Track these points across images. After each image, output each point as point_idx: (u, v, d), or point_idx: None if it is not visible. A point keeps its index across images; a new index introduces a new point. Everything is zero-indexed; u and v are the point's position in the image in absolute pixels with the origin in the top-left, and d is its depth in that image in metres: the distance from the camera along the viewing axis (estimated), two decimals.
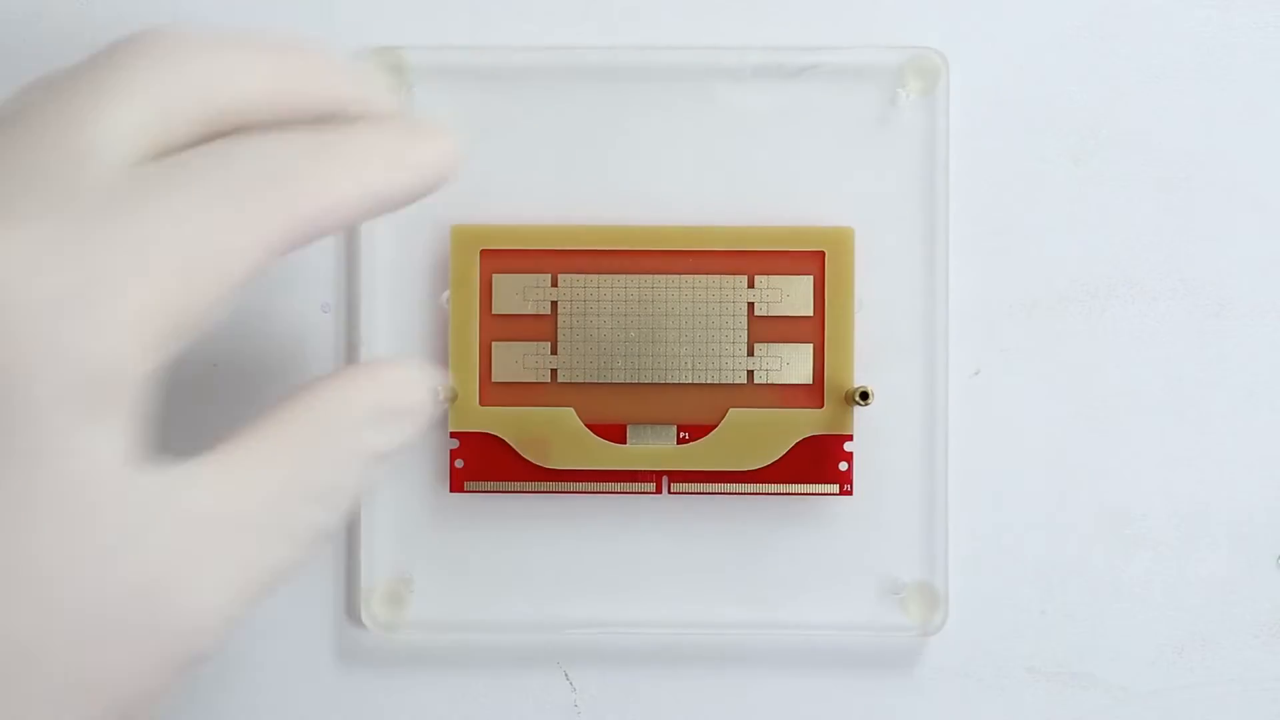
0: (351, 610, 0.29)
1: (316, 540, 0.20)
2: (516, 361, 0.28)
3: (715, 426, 0.27)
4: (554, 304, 0.28)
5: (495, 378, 0.28)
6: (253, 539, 0.20)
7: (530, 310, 0.28)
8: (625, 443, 0.28)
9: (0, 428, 0.17)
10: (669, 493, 0.28)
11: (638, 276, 0.27)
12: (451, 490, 0.28)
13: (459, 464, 0.28)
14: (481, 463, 0.28)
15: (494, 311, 0.28)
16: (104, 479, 0.18)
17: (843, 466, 0.28)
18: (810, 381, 0.28)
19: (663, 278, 0.27)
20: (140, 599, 0.18)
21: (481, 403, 0.28)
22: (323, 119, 0.21)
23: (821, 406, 0.27)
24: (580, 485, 0.28)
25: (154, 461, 0.19)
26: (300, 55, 0.21)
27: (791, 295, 0.28)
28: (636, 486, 0.28)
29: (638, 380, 0.27)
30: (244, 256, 0.19)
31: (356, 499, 0.21)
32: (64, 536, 0.18)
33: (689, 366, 0.27)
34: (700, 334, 0.27)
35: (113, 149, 0.19)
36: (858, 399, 0.27)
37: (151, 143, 0.19)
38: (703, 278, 0.27)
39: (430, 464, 0.28)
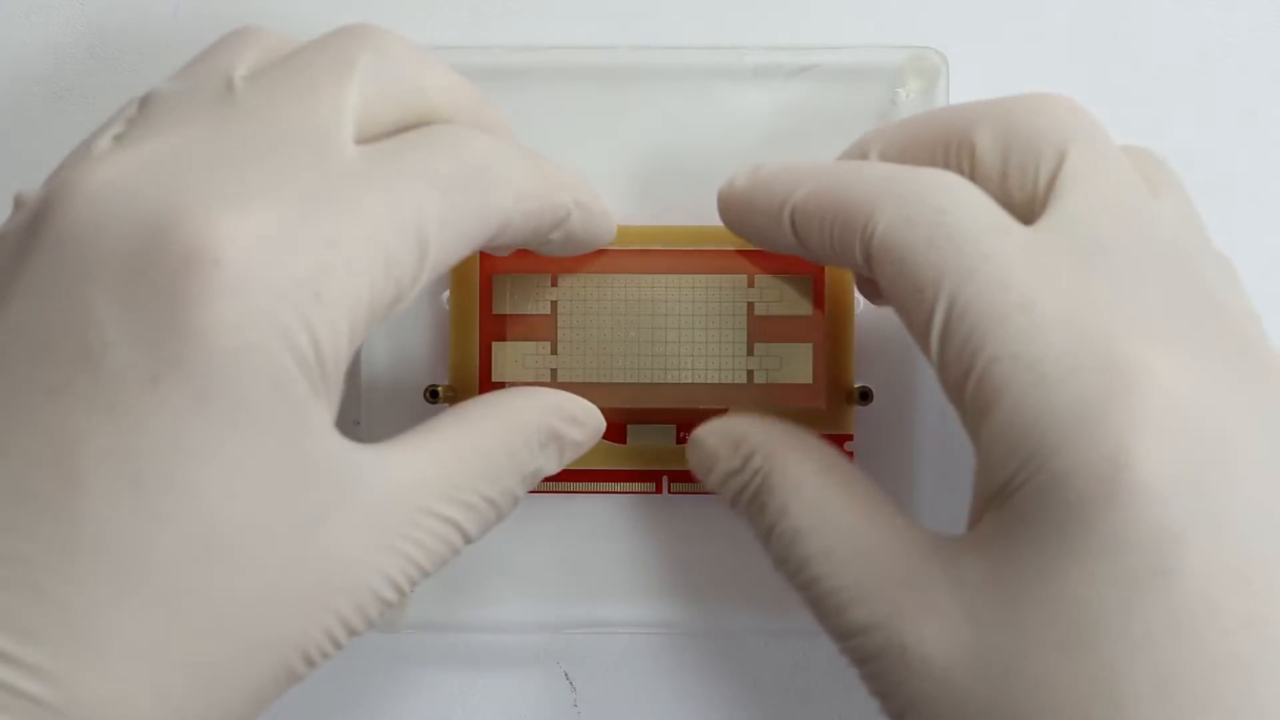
0: None
1: (466, 542, 0.22)
2: (516, 361, 0.28)
3: None
4: (554, 304, 0.28)
5: (495, 378, 0.28)
6: (429, 526, 0.21)
7: (530, 310, 0.28)
8: (625, 443, 0.28)
9: (238, 399, 0.19)
10: (669, 493, 0.28)
11: (638, 276, 0.27)
12: None
13: None
14: None
15: (494, 311, 0.28)
16: (323, 452, 0.20)
17: None
18: (810, 381, 0.27)
19: (663, 277, 0.27)
20: (334, 570, 0.20)
21: None
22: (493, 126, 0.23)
23: (821, 406, 0.27)
24: (580, 485, 0.28)
25: (349, 440, 0.20)
26: (465, 82, 0.23)
27: (791, 295, 0.28)
28: (636, 486, 0.28)
29: (638, 380, 0.27)
30: (443, 248, 0.21)
31: (507, 511, 0.23)
32: (282, 504, 0.19)
33: (689, 366, 0.27)
34: (700, 334, 0.27)
35: (340, 132, 0.21)
36: (858, 399, 0.27)
37: (364, 124, 0.21)
38: (703, 277, 0.27)
39: None
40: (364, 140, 0.21)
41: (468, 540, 0.22)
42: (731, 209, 0.25)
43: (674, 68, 0.29)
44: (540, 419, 0.24)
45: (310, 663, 0.20)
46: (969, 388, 0.20)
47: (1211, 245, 0.23)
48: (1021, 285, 0.20)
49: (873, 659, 0.21)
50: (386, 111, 0.22)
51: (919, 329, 0.21)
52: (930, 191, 0.21)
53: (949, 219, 0.21)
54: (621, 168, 0.29)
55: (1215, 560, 0.19)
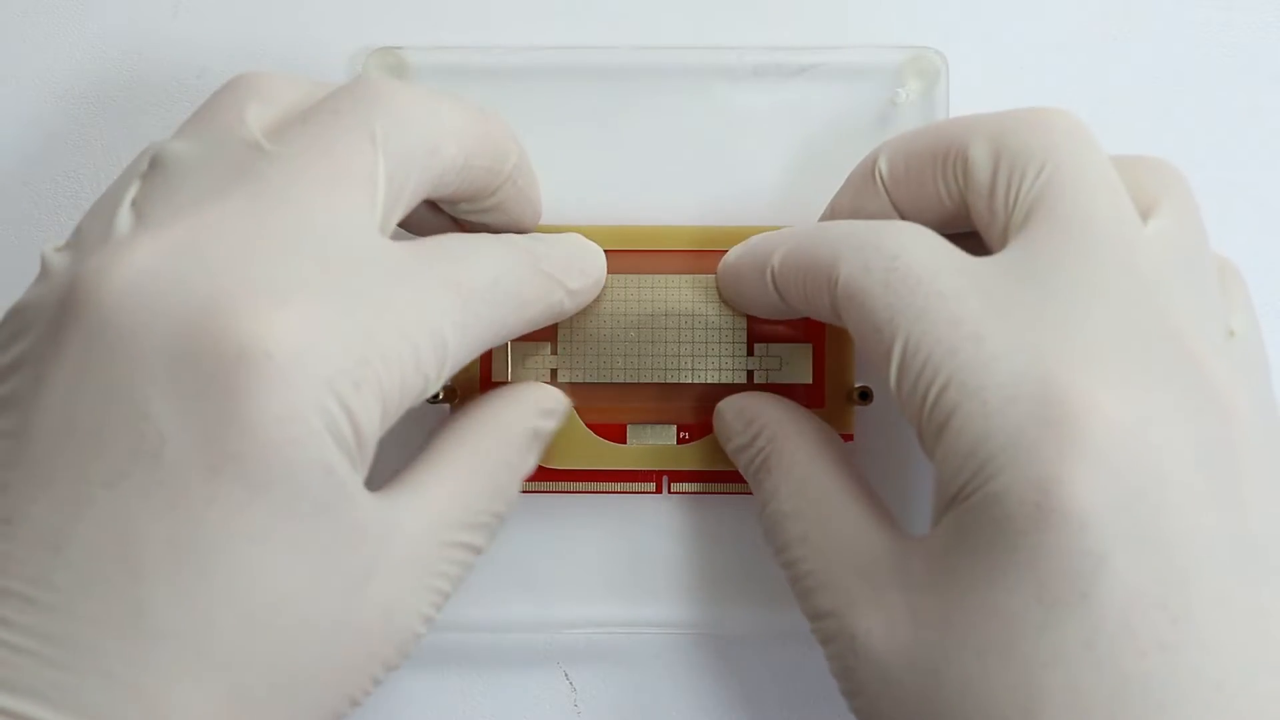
0: None
1: (479, 556, 0.24)
2: (516, 362, 0.28)
3: None
4: None
5: (495, 377, 0.28)
6: (452, 556, 0.23)
7: None
8: (625, 443, 0.28)
9: (291, 486, 0.19)
10: (669, 493, 0.28)
11: (638, 276, 0.27)
12: None
13: None
14: None
15: None
16: (365, 519, 0.21)
17: None
18: (810, 381, 0.27)
19: (663, 277, 0.27)
20: (379, 623, 0.21)
21: None
22: (493, 172, 0.24)
23: (822, 406, 0.27)
24: (580, 485, 0.28)
25: (378, 495, 0.22)
26: (484, 120, 0.24)
27: None
28: (636, 486, 0.28)
29: (638, 380, 0.27)
30: (460, 350, 0.22)
31: (509, 516, 0.25)
32: (332, 573, 0.20)
33: (689, 366, 0.27)
34: (700, 334, 0.27)
35: (370, 223, 0.22)
36: (858, 399, 0.27)
37: (388, 211, 0.22)
38: (703, 277, 0.27)
39: None
40: (387, 217, 0.22)
41: (480, 554, 0.24)
42: (726, 278, 0.27)
43: (674, 68, 0.29)
44: (526, 422, 0.25)
45: (355, 704, 0.22)
46: (924, 414, 0.21)
47: (1203, 264, 0.23)
48: (974, 319, 0.21)
49: (830, 642, 0.23)
50: (406, 180, 0.22)
51: (880, 365, 0.22)
52: (885, 241, 0.23)
53: (901, 264, 0.22)
54: (621, 168, 0.29)
55: (1136, 584, 0.19)
